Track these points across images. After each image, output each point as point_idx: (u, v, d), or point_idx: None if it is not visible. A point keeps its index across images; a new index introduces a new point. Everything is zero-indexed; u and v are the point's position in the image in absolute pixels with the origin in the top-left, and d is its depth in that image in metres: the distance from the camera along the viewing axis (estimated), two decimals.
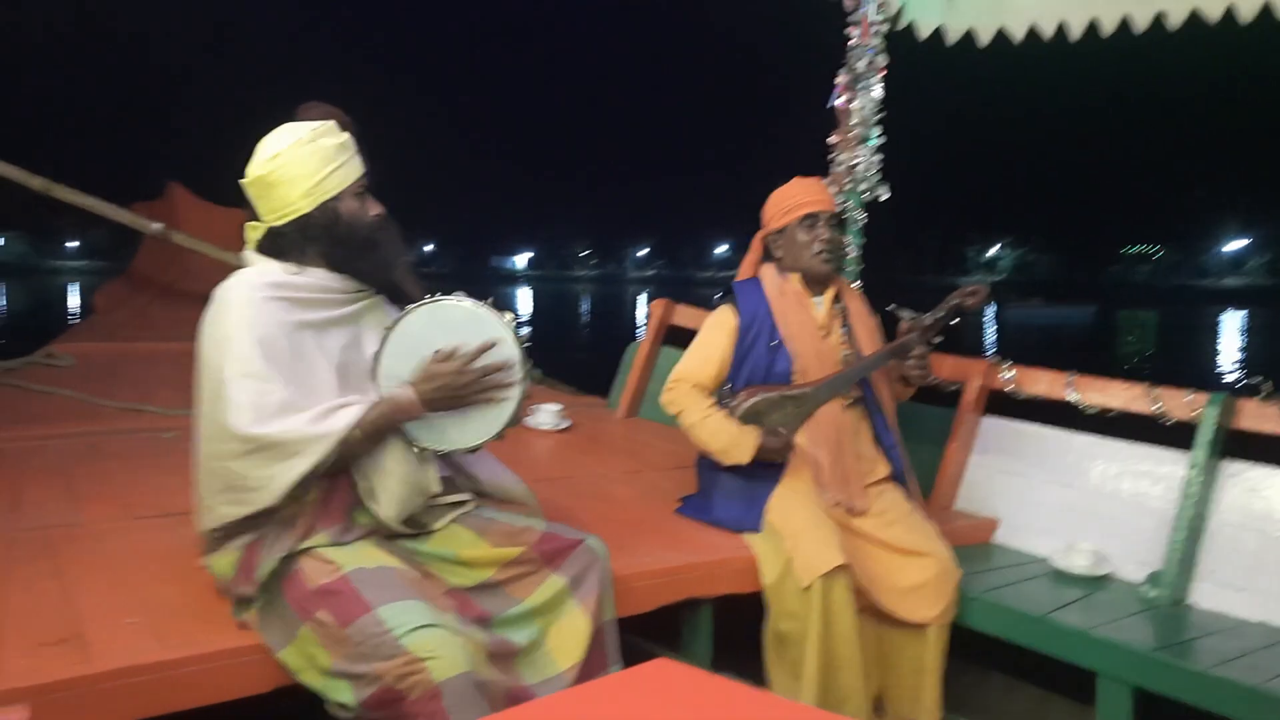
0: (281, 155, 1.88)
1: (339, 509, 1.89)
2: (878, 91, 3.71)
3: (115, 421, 3.75)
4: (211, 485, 1.85)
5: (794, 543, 2.43)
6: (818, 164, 3.77)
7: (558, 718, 1.07)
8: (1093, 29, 3.36)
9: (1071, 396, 3.00)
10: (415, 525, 1.97)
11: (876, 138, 3.72)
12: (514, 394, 1.94)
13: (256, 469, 1.78)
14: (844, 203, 3.72)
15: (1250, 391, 2.71)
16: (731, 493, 2.68)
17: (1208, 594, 2.57)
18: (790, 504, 2.55)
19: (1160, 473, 2.79)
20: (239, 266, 1.98)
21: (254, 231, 1.99)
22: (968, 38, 3.65)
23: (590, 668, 1.94)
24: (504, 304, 1.99)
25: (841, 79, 3.74)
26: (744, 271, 2.90)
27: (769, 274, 2.80)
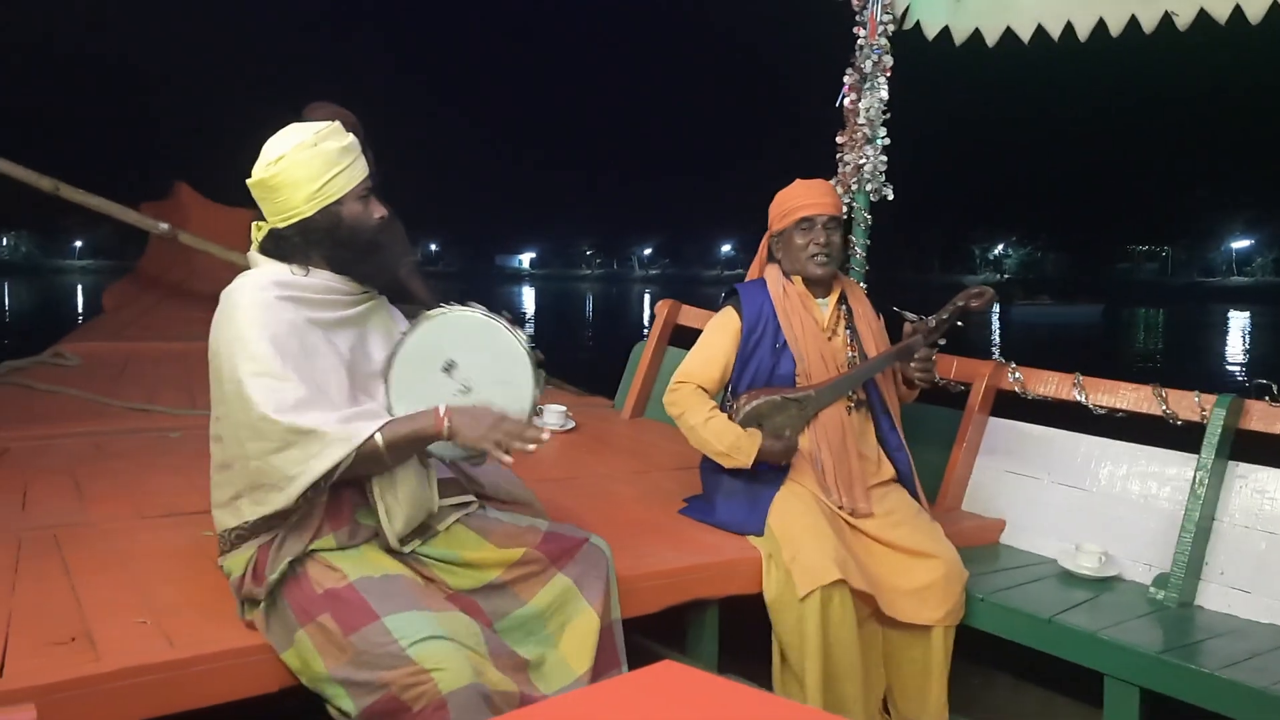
0: (284, 159, 1.87)
1: (344, 511, 1.89)
2: (884, 91, 3.70)
3: (122, 421, 3.76)
4: (237, 484, 1.84)
5: (793, 552, 2.42)
6: (825, 164, 3.76)
7: None
8: (1100, 29, 3.35)
9: (1079, 397, 2.99)
10: (418, 529, 1.96)
11: (883, 138, 3.71)
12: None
13: (291, 464, 1.74)
14: (850, 203, 3.72)
15: (1260, 393, 2.70)
16: (734, 495, 2.67)
17: (1216, 596, 2.56)
18: (792, 509, 2.54)
19: (1168, 474, 2.79)
20: (246, 266, 1.98)
21: (259, 231, 1.99)
22: (975, 37, 3.65)
23: (599, 668, 1.94)
24: (513, 311, 1.98)
25: (848, 79, 3.73)
26: (753, 272, 2.89)
27: (774, 275, 2.79)
